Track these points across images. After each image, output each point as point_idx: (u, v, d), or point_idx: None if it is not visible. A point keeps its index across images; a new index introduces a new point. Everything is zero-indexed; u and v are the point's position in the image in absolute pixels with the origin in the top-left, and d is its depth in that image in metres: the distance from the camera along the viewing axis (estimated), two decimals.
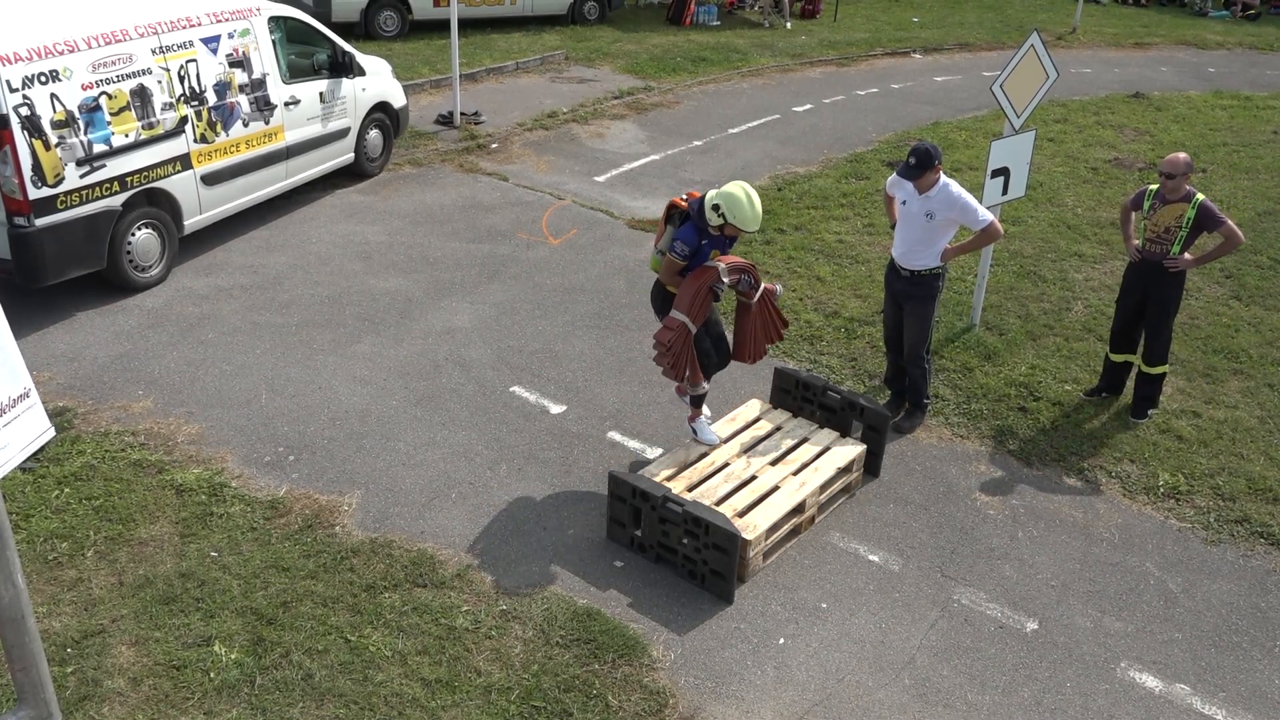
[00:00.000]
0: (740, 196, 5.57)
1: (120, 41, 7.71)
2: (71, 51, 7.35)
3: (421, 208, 10.34)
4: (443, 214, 10.21)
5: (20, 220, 7.29)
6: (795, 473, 5.97)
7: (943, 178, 6.46)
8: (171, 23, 8.14)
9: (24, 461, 4.60)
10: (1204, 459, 6.83)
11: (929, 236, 6.55)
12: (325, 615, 5.14)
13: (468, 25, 17.45)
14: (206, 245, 9.15)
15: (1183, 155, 6.71)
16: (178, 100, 8.24)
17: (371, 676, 4.81)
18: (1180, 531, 6.19)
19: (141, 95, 7.92)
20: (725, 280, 5.71)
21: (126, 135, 7.83)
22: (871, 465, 6.48)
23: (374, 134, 10.87)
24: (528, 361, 7.61)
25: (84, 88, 7.45)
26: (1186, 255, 6.84)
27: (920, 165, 6.35)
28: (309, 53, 9.97)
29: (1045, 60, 7.63)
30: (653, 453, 6.59)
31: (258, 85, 9.02)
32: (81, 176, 7.54)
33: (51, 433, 3.52)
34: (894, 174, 6.75)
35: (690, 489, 5.78)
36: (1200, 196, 6.69)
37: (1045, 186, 11.73)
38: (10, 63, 6.97)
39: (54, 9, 7.71)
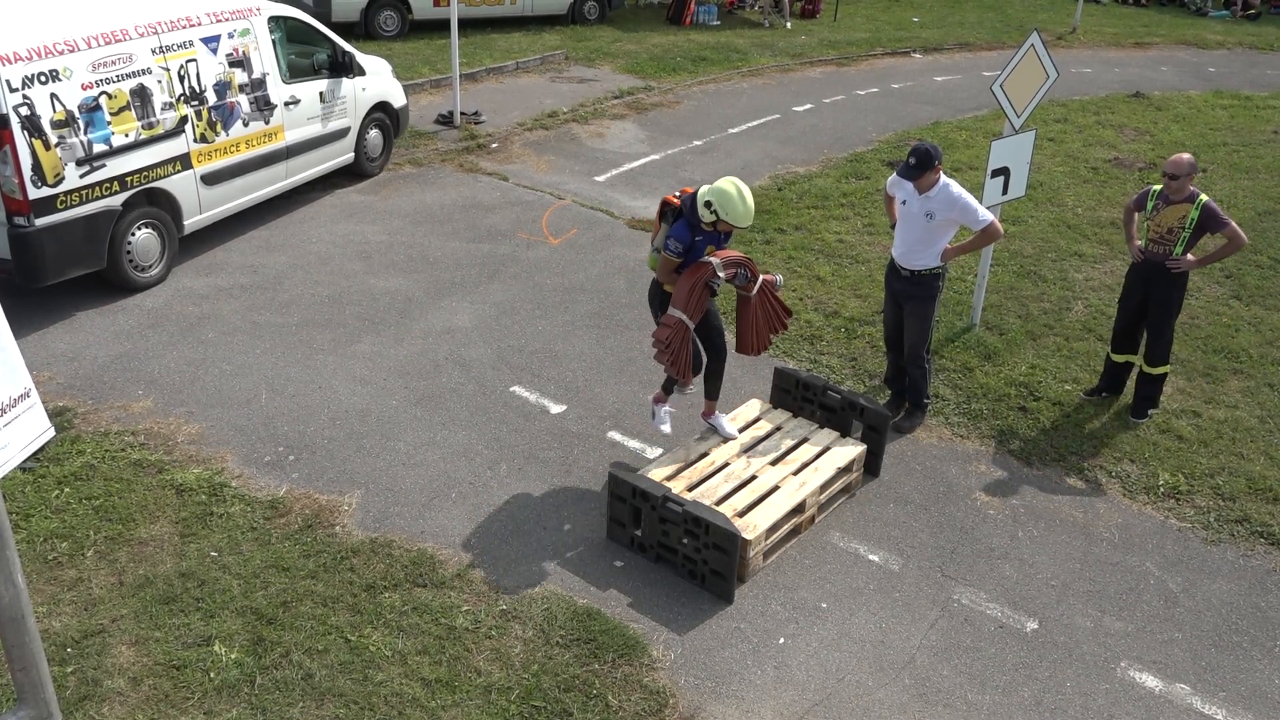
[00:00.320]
0: (731, 192, 5.58)
1: (120, 41, 7.71)
2: (71, 51, 7.35)
3: (421, 208, 10.34)
4: (443, 214, 10.21)
5: (20, 220, 7.29)
6: (795, 473, 5.97)
7: (943, 178, 6.46)
8: (171, 22, 8.14)
9: (24, 461, 4.60)
10: (1204, 459, 6.83)
11: (929, 236, 6.55)
12: (325, 615, 5.14)
13: (468, 25, 17.46)
14: (206, 245, 9.15)
15: (1186, 156, 6.71)
16: (178, 100, 8.24)
17: (371, 676, 4.81)
18: (1180, 531, 6.19)
19: (141, 95, 7.92)
20: (721, 275, 5.73)
21: (126, 135, 7.83)
22: (871, 465, 6.48)
23: (374, 134, 10.87)
24: (528, 361, 7.61)
25: (84, 87, 7.45)
26: (1189, 256, 6.83)
27: (920, 165, 6.35)
28: (309, 52, 9.97)
29: (1045, 60, 7.63)
30: (653, 453, 6.59)
31: (258, 85, 9.02)
32: (81, 176, 7.54)
33: (51, 433, 3.52)
34: (894, 174, 6.75)
35: (690, 489, 5.78)
36: (1204, 197, 6.69)
37: (1045, 186, 11.73)
38: (10, 62, 6.97)
39: (54, 9, 7.71)
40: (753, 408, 6.61)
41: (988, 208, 7.03)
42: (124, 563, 5.42)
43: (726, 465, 6.02)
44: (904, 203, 6.65)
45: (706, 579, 5.45)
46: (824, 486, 6.03)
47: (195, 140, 8.47)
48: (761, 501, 5.73)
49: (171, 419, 6.69)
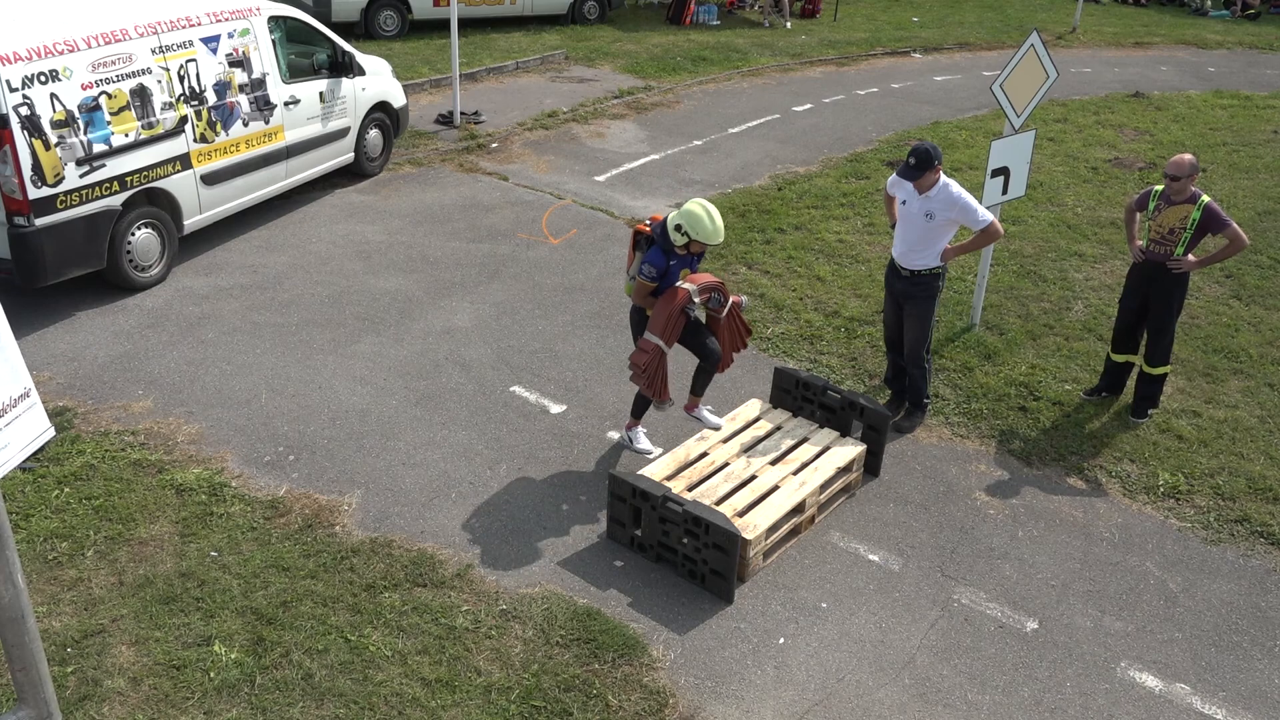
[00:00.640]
0: (700, 213, 5.84)
1: (120, 41, 7.71)
2: (71, 51, 7.35)
3: (421, 207, 10.34)
4: (443, 214, 10.21)
5: (20, 220, 7.29)
6: (795, 472, 5.97)
7: (943, 178, 6.47)
8: (171, 22, 8.14)
9: (24, 461, 4.60)
10: (1204, 459, 6.83)
11: (929, 236, 6.55)
12: (325, 615, 5.14)
13: (468, 25, 17.46)
14: (206, 245, 9.15)
15: (1188, 156, 6.70)
16: (177, 100, 8.24)
17: (371, 676, 4.81)
18: (1180, 531, 6.19)
19: (141, 95, 7.92)
20: (696, 300, 5.95)
21: (126, 135, 7.83)
22: (871, 465, 6.48)
23: (374, 134, 10.87)
24: (528, 361, 7.61)
25: (84, 87, 7.45)
26: (1190, 257, 6.83)
27: (920, 165, 6.35)
28: (309, 52, 9.97)
29: (1045, 60, 7.63)
30: (652, 451, 6.58)
31: (257, 85, 9.02)
32: (81, 176, 7.54)
33: (51, 433, 3.52)
34: (894, 174, 6.75)
35: (690, 489, 5.78)
36: (1206, 198, 6.68)
37: (1045, 186, 11.73)
38: (10, 62, 6.97)
39: (54, 9, 7.71)
40: (753, 408, 6.61)
41: (988, 208, 7.04)
42: (124, 563, 5.42)
43: (726, 465, 6.03)
44: (904, 203, 6.65)
45: (706, 579, 5.45)
46: (824, 486, 6.03)
47: (195, 140, 8.47)
48: (761, 501, 5.73)
49: (171, 419, 6.69)
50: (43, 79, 7.17)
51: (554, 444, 6.66)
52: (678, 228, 5.86)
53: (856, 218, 10.62)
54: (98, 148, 7.61)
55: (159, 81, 8.05)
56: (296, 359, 7.47)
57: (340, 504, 5.98)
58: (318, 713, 4.61)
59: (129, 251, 8.12)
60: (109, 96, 7.65)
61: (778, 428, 6.43)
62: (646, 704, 4.76)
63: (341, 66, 10.11)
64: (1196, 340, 8.36)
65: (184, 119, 8.32)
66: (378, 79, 10.73)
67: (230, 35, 8.69)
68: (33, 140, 7.16)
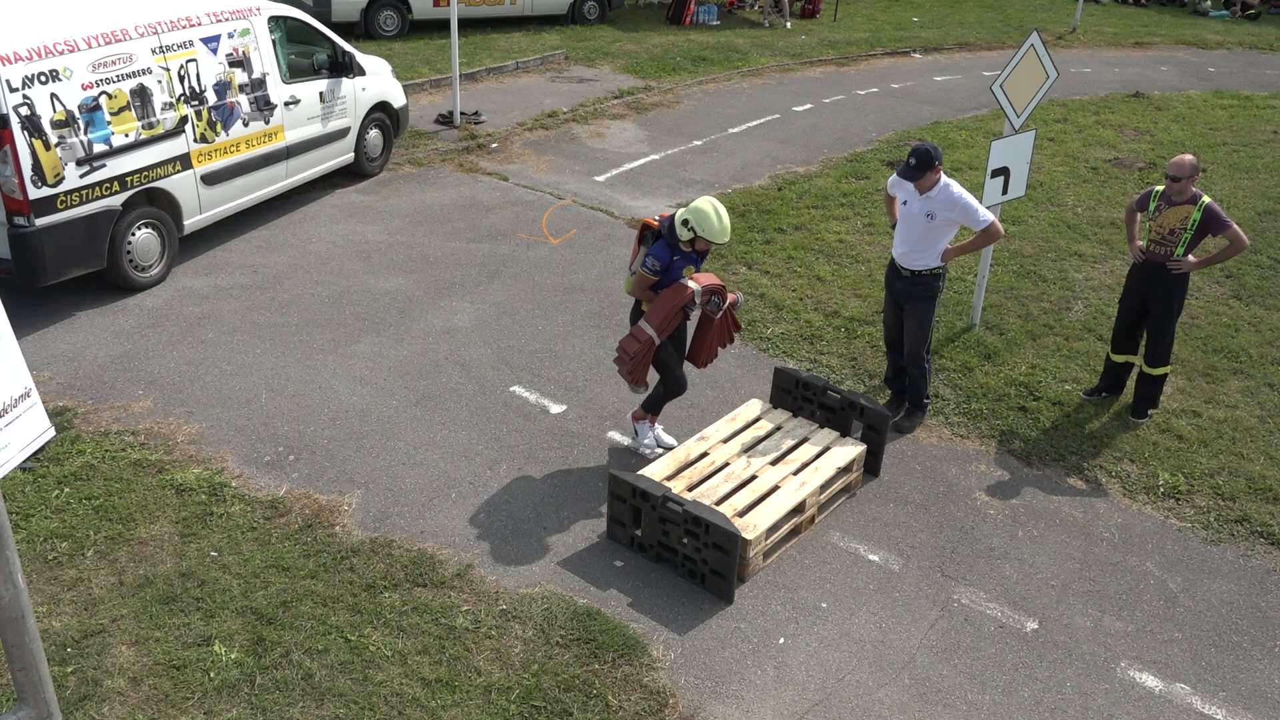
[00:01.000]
0: (708, 211, 5.85)
1: (120, 41, 7.71)
2: (71, 51, 7.35)
3: (421, 208, 10.34)
4: (443, 214, 10.21)
5: (20, 220, 7.29)
6: (795, 472, 5.97)
7: (943, 178, 6.47)
8: (171, 22, 8.14)
9: (24, 461, 4.60)
10: (1204, 459, 6.83)
11: (929, 237, 6.55)
12: (325, 615, 5.14)
13: (468, 25, 17.46)
14: (206, 245, 9.15)
15: (1189, 157, 6.70)
16: (178, 100, 8.24)
17: (371, 676, 4.81)
18: (1180, 531, 6.19)
19: (141, 95, 7.92)
20: (697, 302, 5.98)
21: (126, 135, 7.83)
22: (871, 465, 6.48)
23: (374, 134, 10.87)
24: (528, 361, 7.61)
25: (84, 87, 7.45)
26: (1190, 257, 6.83)
27: (921, 166, 6.35)
28: (309, 52, 9.97)
29: (1045, 60, 7.63)
30: (652, 453, 6.58)
31: (258, 85, 9.02)
32: (81, 176, 7.54)
33: (51, 433, 3.52)
34: (894, 174, 6.75)
35: (690, 489, 5.79)
36: (1206, 199, 6.68)
37: (1045, 186, 11.73)
38: (10, 63, 6.97)
39: (54, 9, 7.71)
40: (753, 408, 6.61)
41: (988, 208, 7.03)
42: (124, 563, 5.42)
43: (727, 465, 6.03)
44: (904, 203, 6.65)
45: (706, 579, 5.45)
46: (824, 486, 6.03)
47: (195, 140, 8.47)
48: (761, 501, 5.73)
49: (171, 419, 6.69)
50: (43, 79, 7.17)
51: (554, 444, 6.66)
52: (685, 223, 5.87)
53: (856, 218, 10.62)
54: (98, 148, 7.61)
55: (159, 81, 8.05)
56: (296, 359, 7.47)
57: (340, 504, 5.98)
58: (318, 713, 4.61)
59: (129, 251, 8.12)
60: (109, 96, 7.65)
61: (778, 428, 6.43)
62: (646, 704, 4.76)
63: (341, 66, 10.11)
64: (1196, 340, 8.36)
65: (184, 119, 8.32)
66: (378, 79, 10.73)
67: (230, 35, 8.69)
68: (33, 140, 7.16)
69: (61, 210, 7.46)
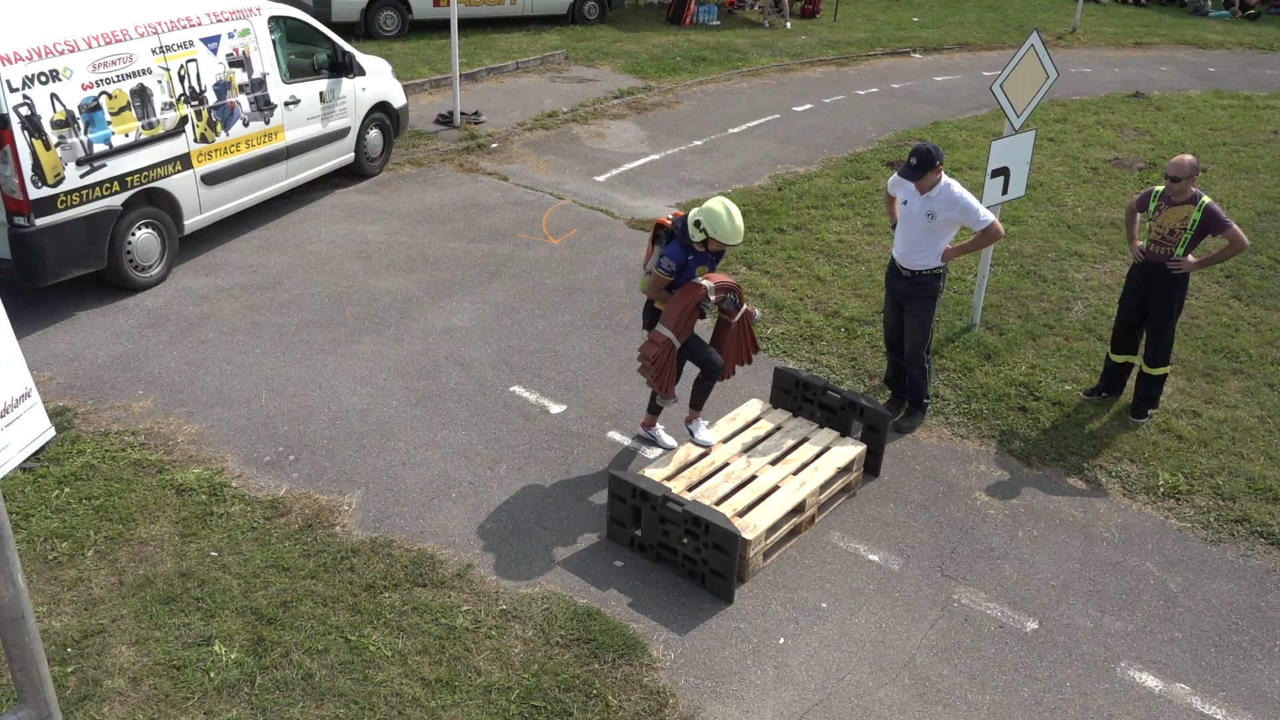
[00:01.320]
0: (720, 212, 5.79)
1: (120, 41, 7.71)
2: (71, 51, 7.35)
3: (421, 208, 10.34)
4: (443, 214, 10.21)
5: (20, 220, 7.29)
6: (795, 472, 5.97)
7: (944, 178, 6.47)
8: (171, 22, 8.14)
9: (24, 461, 4.60)
10: (1204, 459, 6.83)
11: (930, 237, 6.55)
12: (325, 615, 5.14)
13: (468, 25, 17.46)
14: (206, 245, 9.15)
15: (1188, 157, 6.70)
16: (178, 100, 8.24)
17: (371, 676, 4.81)
18: (1180, 531, 6.19)
19: (141, 95, 7.92)
20: (712, 298, 5.91)
21: (126, 135, 7.83)
22: (871, 465, 6.48)
23: (374, 134, 10.87)
24: (528, 361, 7.61)
25: (84, 87, 7.45)
26: (1190, 257, 6.83)
27: (921, 165, 6.35)
28: (309, 53, 9.97)
29: (1045, 60, 7.63)
30: (653, 453, 6.59)
31: (258, 85, 9.02)
32: (82, 176, 7.54)
33: (51, 433, 3.52)
34: (895, 174, 6.75)
35: (690, 489, 5.79)
36: (1206, 199, 6.68)
37: (1045, 186, 11.73)
38: (10, 63, 6.97)
39: (54, 9, 7.71)
40: (753, 408, 6.61)
41: (988, 208, 7.03)
42: (124, 563, 5.42)
43: (726, 465, 6.03)
44: (905, 203, 6.65)
45: (706, 579, 5.45)
46: (824, 486, 6.03)
47: (195, 140, 8.47)
48: (761, 501, 5.73)
49: (171, 419, 6.69)
50: (43, 79, 7.17)
51: (554, 444, 6.66)
52: (696, 223, 5.82)
53: (856, 218, 10.62)
54: (98, 148, 7.61)
55: (159, 81, 8.05)
56: (296, 359, 7.47)
57: (340, 504, 5.98)
58: (318, 713, 4.61)
59: (129, 251, 8.12)
60: (109, 96, 7.65)
61: (778, 428, 6.43)
62: (646, 704, 4.76)
63: (341, 66, 10.11)
64: (1196, 340, 8.36)
65: (184, 119, 8.32)
66: (378, 79, 10.73)
67: (230, 35, 8.69)
68: (33, 140, 7.16)
69: (61, 210, 7.46)
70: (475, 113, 13.14)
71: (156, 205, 8.31)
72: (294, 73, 9.55)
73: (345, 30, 15.81)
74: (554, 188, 11.07)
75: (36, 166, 7.21)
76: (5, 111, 6.96)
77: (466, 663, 4.92)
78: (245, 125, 8.95)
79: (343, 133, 10.27)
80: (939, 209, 6.46)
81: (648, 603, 5.40)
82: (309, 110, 9.69)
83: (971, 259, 9.20)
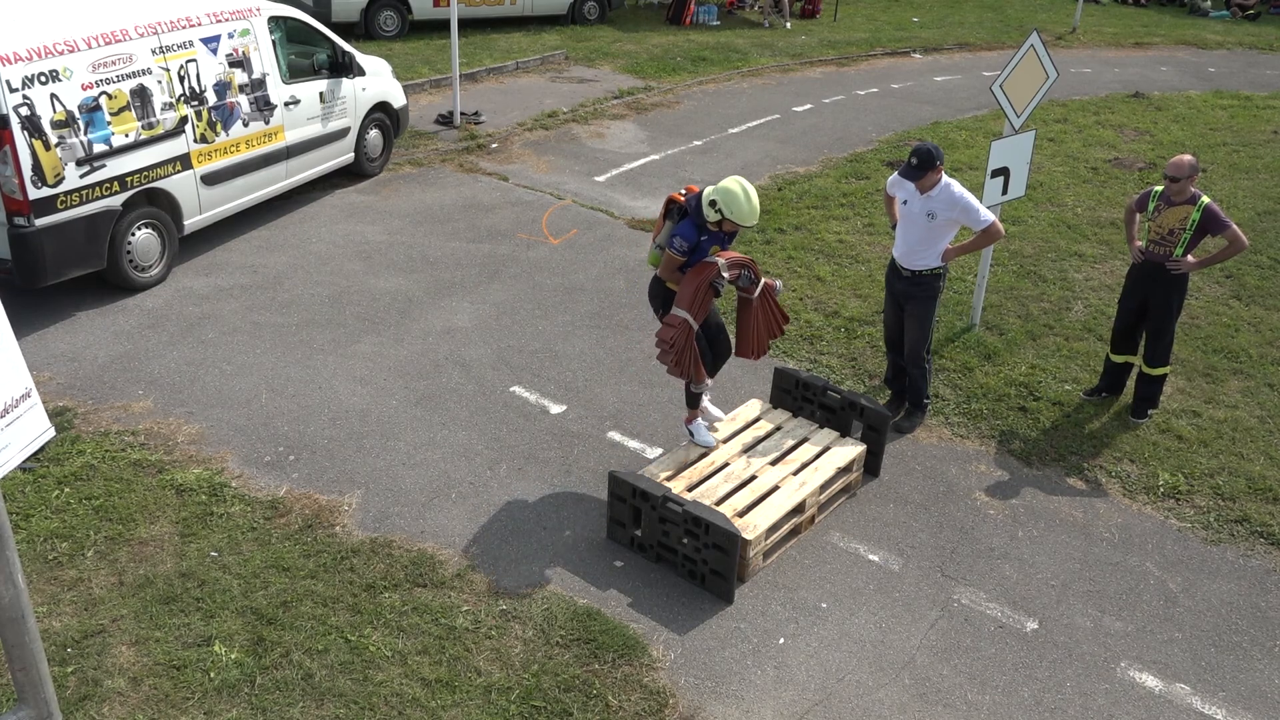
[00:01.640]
0: (737, 191, 5.59)
1: (120, 41, 7.71)
2: (71, 51, 7.35)
3: (421, 208, 10.34)
4: (443, 214, 10.21)
5: (20, 220, 7.29)
6: (795, 473, 5.97)
7: (944, 178, 6.46)
8: (171, 23, 8.14)
9: (24, 461, 4.60)
10: (1204, 459, 6.83)
11: (930, 237, 6.55)
12: (325, 615, 5.14)
13: (468, 25, 17.46)
14: (206, 245, 9.15)
15: (1188, 157, 6.69)
16: (178, 100, 8.24)
17: (371, 676, 4.81)
18: (1180, 531, 6.19)
19: (141, 95, 7.92)
20: (725, 276, 5.73)
21: (126, 135, 7.83)
22: (871, 465, 6.48)
23: (374, 134, 10.87)
24: (528, 361, 7.61)
25: (84, 88, 7.45)
26: (1190, 258, 6.83)
27: (922, 165, 6.35)
28: (309, 53, 9.97)
29: (1045, 60, 7.63)
30: (653, 453, 6.59)
31: (258, 85, 9.02)
32: (81, 176, 7.54)
33: (51, 433, 3.52)
34: (895, 174, 6.75)
35: (690, 489, 5.78)
36: (1205, 199, 6.68)
37: (1045, 186, 11.73)
38: (10, 63, 6.97)
39: (54, 9, 7.71)
40: (753, 408, 6.61)
41: (988, 208, 7.03)
42: (124, 563, 5.42)
43: (726, 465, 6.02)
44: (905, 203, 6.65)
45: (706, 579, 5.45)
46: (824, 486, 6.03)
47: (195, 140, 8.47)
48: (761, 501, 5.73)
49: (171, 419, 6.69)
50: (43, 79, 7.17)
51: (554, 444, 6.66)
52: (712, 203, 5.61)
53: (856, 218, 10.62)
54: (98, 148, 7.61)
55: (159, 82, 8.05)
56: (297, 359, 7.47)
57: (340, 504, 5.98)
58: (318, 713, 4.61)
59: (129, 251, 8.12)
60: (109, 97, 7.65)
61: (778, 428, 6.43)
62: (646, 704, 4.76)
63: (341, 67, 10.12)
64: (1196, 340, 8.36)
65: (184, 119, 8.32)
66: (378, 79, 10.73)
67: (230, 35, 8.69)
68: (33, 140, 7.16)
69: (61, 210, 7.46)
70: (475, 113, 13.14)
71: (156, 205, 8.31)
72: (294, 73, 9.55)
73: (345, 30, 15.82)
74: (554, 188, 11.07)
75: (36, 166, 7.21)
76: (5, 112, 6.97)
77: (466, 663, 4.92)
78: (245, 125, 8.95)
79: (343, 133, 10.28)
80: (939, 209, 6.45)
81: (648, 603, 5.40)
82: (309, 110, 9.69)
83: (971, 259, 9.20)
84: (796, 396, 6.64)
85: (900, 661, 5.12)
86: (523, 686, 4.80)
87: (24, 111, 7.08)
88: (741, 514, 5.60)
